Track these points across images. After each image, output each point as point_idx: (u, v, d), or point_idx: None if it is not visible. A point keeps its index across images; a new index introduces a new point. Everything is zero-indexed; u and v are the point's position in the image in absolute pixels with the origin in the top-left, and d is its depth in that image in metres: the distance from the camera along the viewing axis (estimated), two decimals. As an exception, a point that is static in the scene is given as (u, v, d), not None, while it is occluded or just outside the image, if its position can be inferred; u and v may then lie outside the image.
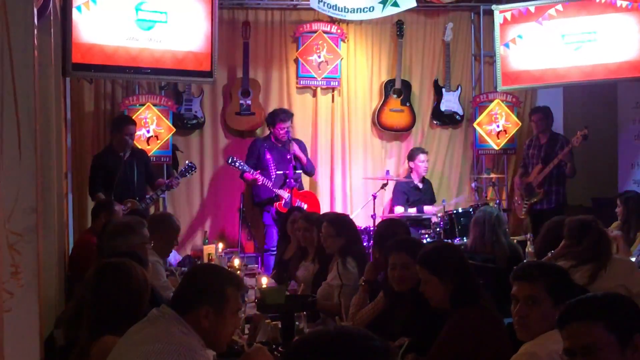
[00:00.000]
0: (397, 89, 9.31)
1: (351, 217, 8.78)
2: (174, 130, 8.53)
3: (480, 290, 3.66)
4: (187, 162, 8.16)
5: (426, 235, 7.99)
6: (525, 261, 5.43)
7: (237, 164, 8.16)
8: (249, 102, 8.88)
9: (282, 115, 8.46)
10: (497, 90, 9.22)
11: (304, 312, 4.25)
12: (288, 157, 8.23)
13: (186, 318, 2.92)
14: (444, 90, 9.50)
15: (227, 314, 2.99)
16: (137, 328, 2.97)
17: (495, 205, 8.22)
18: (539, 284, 3.01)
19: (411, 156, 9.04)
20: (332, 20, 9.24)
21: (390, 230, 5.07)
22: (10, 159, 3.22)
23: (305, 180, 8.90)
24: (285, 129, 8.38)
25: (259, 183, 8.26)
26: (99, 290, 3.36)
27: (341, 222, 5.61)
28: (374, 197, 8.30)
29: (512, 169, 9.72)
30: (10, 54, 3.29)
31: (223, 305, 2.98)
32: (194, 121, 8.86)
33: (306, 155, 8.66)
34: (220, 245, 7.26)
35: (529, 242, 6.65)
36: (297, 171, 8.39)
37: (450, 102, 9.51)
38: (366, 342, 1.86)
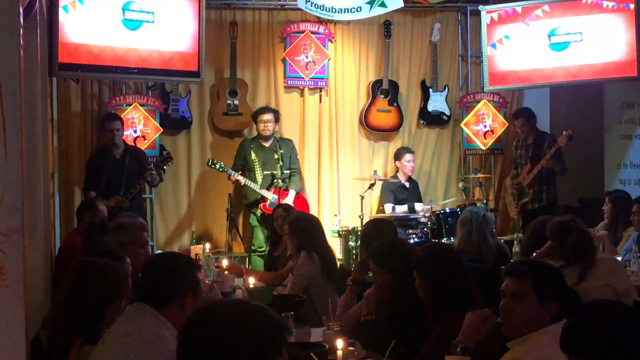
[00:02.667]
0: (384, 89, 9.33)
1: (338, 217, 8.87)
2: (161, 130, 8.52)
3: (471, 295, 3.65)
4: (163, 151, 8.08)
5: (414, 235, 8.00)
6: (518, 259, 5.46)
7: (217, 165, 8.16)
8: (236, 102, 8.87)
9: (262, 109, 8.50)
10: (484, 90, 9.25)
11: (291, 312, 4.25)
12: (275, 157, 8.22)
13: (164, 310, 2.97)
14: (431, 90, 9.53)
15: (200, 297, 3.10)
16: (114, 325, 3.00)
17: (482, 205, 8.23)
18: (525, 282, 3.02)
19: (397, 156, 9.06)
20: (320, 21, 9.25)
21: (377, 231, 5.09)
22: (-5, 159, 3.21)
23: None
24: (265, 123, 8.37)
25: (242, 184, 8.26)
26: (73, 290, 3.37)
27: (295, 222, 5.76)
28: (362, 197, 8.31)
29: (499, 169, 9.77)
30: (-4, 54, 3.28)
31: (199, 290, 3.09)
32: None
33: (294, 155, 8.66)
34: (208, 246, 7.24)
35: (516, 242, 6.68)
36: (285, 172, 8.38)
37: (437, 103, 9.54)
38: (268, 315, 1.96)
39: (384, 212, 8.84)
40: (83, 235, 5.70)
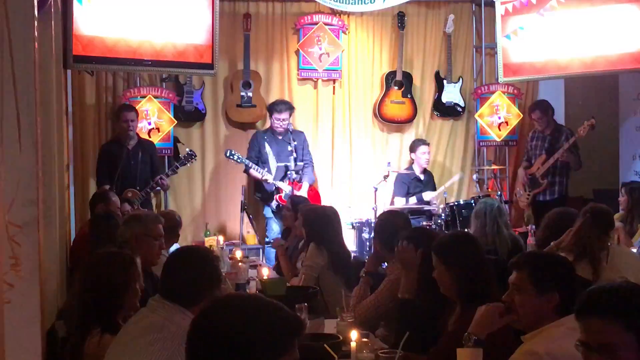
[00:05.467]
0: (398, 81, 9.30)
1: (352, 209, 8.86)
2: (175, 122, 8.54)
3: (493, 286, 3.63)
4: (187, 149, 8.17)
5: (427, 227, 7.98)
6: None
7: (235, 157, 8.18)
8: (250, 94, 8.87)
9: (278, 106, 8.46)
10: (499, 81, 9.22)
11: (305, 304, 4.26)
12: (289, 149, 8.23)
13: (194, 309, 2.94)
14: (445, 81, 9.50)
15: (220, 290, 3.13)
16: (137, 319, 2.98)
17: (497, 197, 8.21)
18: (523, 273, 3.06)
19: (412, 148, 9.04)
20: (334, 12, 9.23)
21: (390, 223, 5.07)
22: (10, 151, 3.22)
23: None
24: (281, 121, 8.36)
25: (269, 182, 8.28)
26: (87, 281, 3.38)
27: (307, 214, 5.78)
28: (375, 188, 8.30)
29: (514, 161, 9.73)
30: (10, 46, 3.29)
31: (221, 284, 3.14)
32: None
33: (306, 147, 8.66)
34: (221, 238, 7.27)
35: (530, 234, 6.66)
36: (299, 163, 8.38)
37: (451, 94, 9.51)
38: (278, 309, 1.93)
39: (394, 205, 8.81)
40: (91, 225, 5.74)
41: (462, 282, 3.56)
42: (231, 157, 8.21)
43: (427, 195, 8.77)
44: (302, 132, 8.79)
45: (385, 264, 4.93)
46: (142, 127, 8.29)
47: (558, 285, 3.00)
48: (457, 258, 3.62)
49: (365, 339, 3.52)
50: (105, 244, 4.45)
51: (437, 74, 9.58)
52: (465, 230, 7.63)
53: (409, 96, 9.37)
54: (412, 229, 4.53)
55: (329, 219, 5.77)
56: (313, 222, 5.69)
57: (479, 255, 3.73)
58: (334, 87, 9.38)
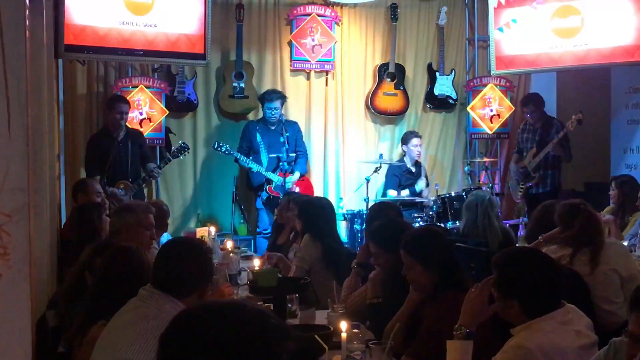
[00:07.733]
0: (390, 73, 9.30)
1: (344, 200, 8.87)
2: (167, 112, 8.51)
3: (465, 277, 3.63)
4: (180, 142, 8.16)
5: (419, 219, 8.00)
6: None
7: (223, 148, 8.16)
8: (242, 84, 8.85)
9: (269, 95, 8.45)
10: (491, 74, 9.23)
11: (296, 295, 4.26)
12: (281, 140, 8.21)
13: (185, 300, 2.94)
14: (437, 74, 9.50)
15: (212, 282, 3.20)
16: (128, 308, 2.98)
17: (488, 189, 8.22)
18: (495, 275, 3.05)
19: (405, 140, 9.04)
20: (327, 3, 9.23)
21: (382, 214, 5.07)
22: None
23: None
24: (273, 110, 8.36)
25: (254, 171, 8.28)
26: (109, 273, 3.37)
27: (303, 206, 5.77)
28: (367, 180, 8.31)
29: (505, 153, 9.74)
30: (2, 34, 3.27)
31: (212, 277, 3.18)
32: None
33: (300, 137, 8.65)
34: (213, 229, 7.25)
35: (521, 226, 6.68)
36: (291, 154, 8.36)
37: (444, 86, 9.52)
38: (263, 316, 1.76)
39: (386, 196, 8.81)
40: (70, 215, 5.75)
41: (440, 278, 3.53)
42: (219, 149, 8.19)
43: (419, 185, 8.76)
44: (295, 123, 8.78)
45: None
46: (134, 118, 8.26)
47: (517, 294, 2.96)
48: (434, 255, 3.58)
49: (355, 330, 3.52)
50: (76, 234, 4.45)
51: (429, 66, 9.59)
52: (448, 224, 7.69)
53: (401, 88, 9.37)
54: (376, 226, 4.45)
55: (324, 210, 5.76)
56: (310, 213, 5.66)
57: (450, 246, 3.71)
58: (326, 78, 9.36)
